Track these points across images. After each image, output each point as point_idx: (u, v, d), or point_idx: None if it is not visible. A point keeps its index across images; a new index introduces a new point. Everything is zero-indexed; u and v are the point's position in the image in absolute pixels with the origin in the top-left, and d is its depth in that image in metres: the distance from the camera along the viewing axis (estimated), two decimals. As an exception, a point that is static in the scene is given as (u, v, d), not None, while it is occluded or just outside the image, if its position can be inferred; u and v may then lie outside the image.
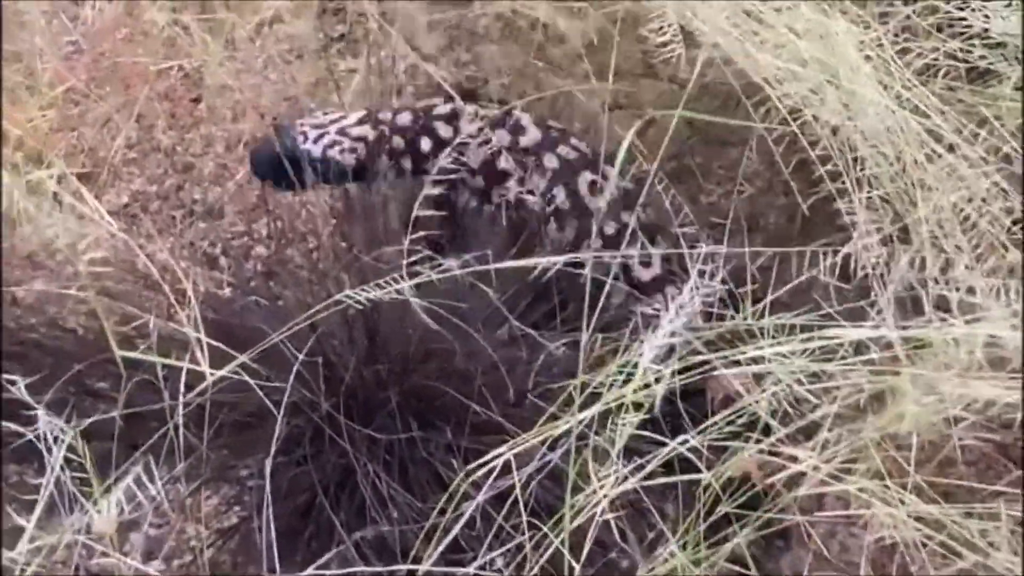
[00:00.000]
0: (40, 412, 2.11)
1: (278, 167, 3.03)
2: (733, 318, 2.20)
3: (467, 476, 2.20)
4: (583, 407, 2.07)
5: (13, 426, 2.18)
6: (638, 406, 1.98)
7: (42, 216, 2.57)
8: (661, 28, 2.49)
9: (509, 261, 2.30)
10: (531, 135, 3.04)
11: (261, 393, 2.26)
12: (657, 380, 1.96)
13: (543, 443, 2.16)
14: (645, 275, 2.97)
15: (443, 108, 3.16)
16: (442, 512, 2.21)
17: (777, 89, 2.45)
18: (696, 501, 2.16)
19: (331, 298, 2.23)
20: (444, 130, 3.12)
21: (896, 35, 2.66)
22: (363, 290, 2.20)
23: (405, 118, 3.17)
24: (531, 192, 3.00)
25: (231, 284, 2.90)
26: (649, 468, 2.11)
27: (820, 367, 2.01)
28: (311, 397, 2.54)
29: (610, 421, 2.12)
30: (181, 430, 2.30)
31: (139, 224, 3.27)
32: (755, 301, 2.20)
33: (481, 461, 2.14)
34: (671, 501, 2.45)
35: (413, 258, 2.35)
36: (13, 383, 2.06)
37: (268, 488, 2.21)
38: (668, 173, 2.81)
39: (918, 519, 2.14)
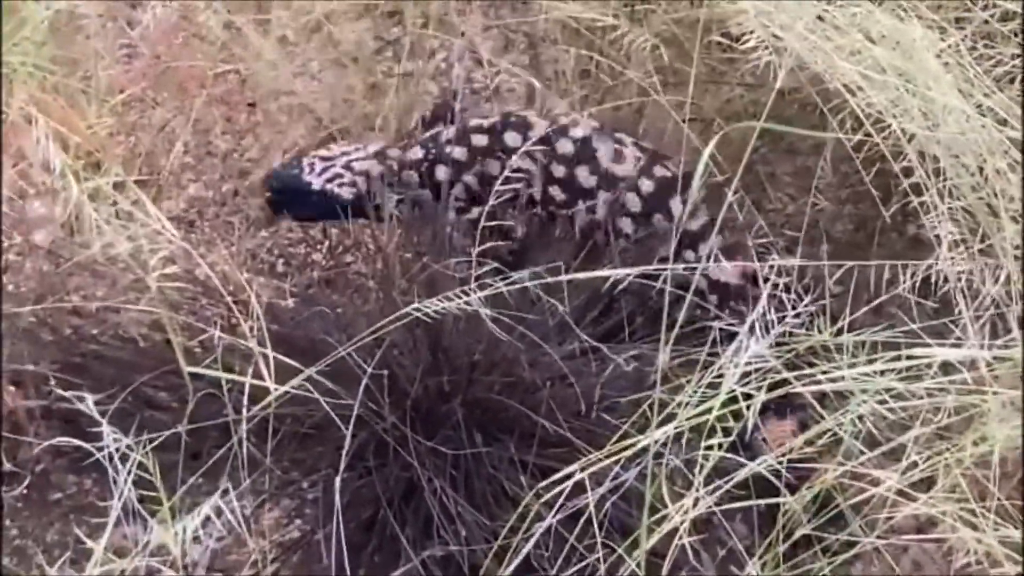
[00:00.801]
0: (105, 428, 2.07)
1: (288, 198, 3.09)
2: (810, 334, 2.14)
3: (537, 494, 2.17)
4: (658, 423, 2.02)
5: (76, 441, 2.15)
6: (726, 430, 1.92)
7: (102, 224, 2.55)
8: (744, 36, 2.42)
9: (579, 273, 2.25)
10: (602, 150, 2.99)
11: (328, 408, 2.21)
12: (747, 403, 1.90)
13: (616, 461, 2.11)
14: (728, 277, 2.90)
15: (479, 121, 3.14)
16: (512, 530, 2.16)
17: (856, 97, 2.39)
18: (775, 522, 2.10)
19: (400, 310, 2.18)
20: (459, 153, 3.09)
21: (974, 41, 2.59)
22: (432, 302, 2.15)
23: (417, 152, 3.15)
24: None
25: (293, 293, 2.86)
26: (726, 487, 2.05)
27: (906, 387, 1.94)
28: (375, 409, 2.49)
29: (684, 439, 2.07)
30: (245, 444, 2.26)
31: (197, 231, 3.23)
32: (831, 317, 2.14)
33: (553, 479, 2.09)
34: (746, 520, 2.40)
35: (482, 269, 2.30)
36: (81, 399, 2.01)
37: (338, 505, 2.17)
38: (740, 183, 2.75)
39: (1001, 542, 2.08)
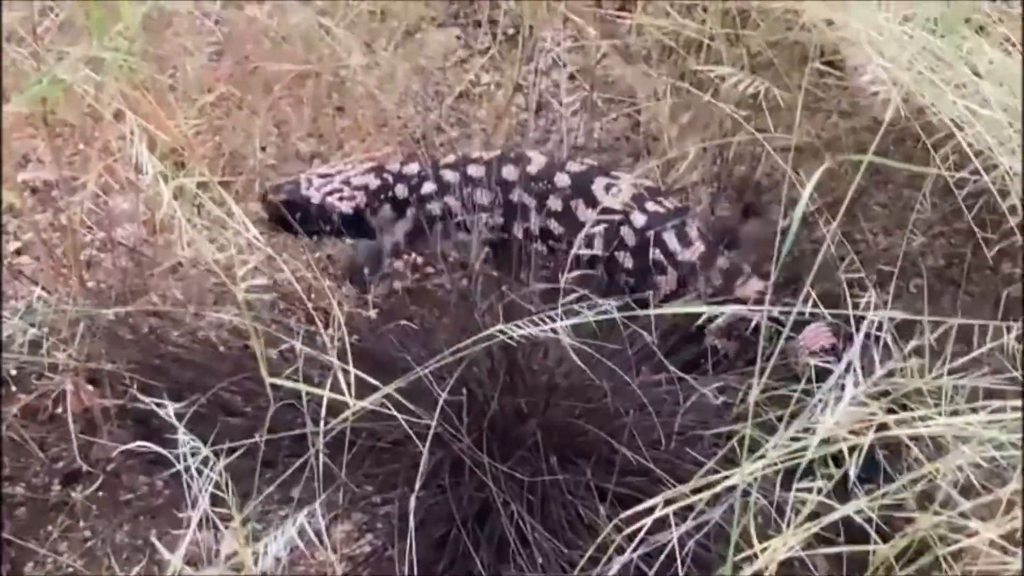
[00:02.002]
0: (181, 435, 2.04)
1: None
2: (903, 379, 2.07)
3: (617, 526, 2.11)
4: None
5: (153, 447, 2.12)
6: (827, 475, 1.86)
7: (187, 226, 2.54)
8: (841, 61, 2.36)
9: (668, 307, 2.20)
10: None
11: (406, 427, 2.17)
12: (850, 448, 1.83)
13: (696, 491, 2.05)
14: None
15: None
16: (590, 560, 2.11)
17: (962, 132, 2.32)
18: (864, 568, 2.04)
19: (480, 329, 2.13)
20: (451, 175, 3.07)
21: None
22: (519, 325, 2.11)
23: (412, 168, 3.14)
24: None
25: (374, 304, 2.82)
26: (815, 529, 1.99)
27: (1008, 438, 1.87)
28: (451, 427, 2.45)
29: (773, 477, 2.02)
30: (321, 457, 2.23)
31: (276, 233, 3.19)
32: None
33: (634, 511, 2.04)
34: (834, 565, 2.34)
35: (571, 296, 2.25)
36: (161, 405, 1.98)
37: (412, 525, 2.13)
38: (829, 211, 2.69)
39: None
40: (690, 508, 2.03)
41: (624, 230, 2.94)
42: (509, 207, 3.00)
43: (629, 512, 2.10)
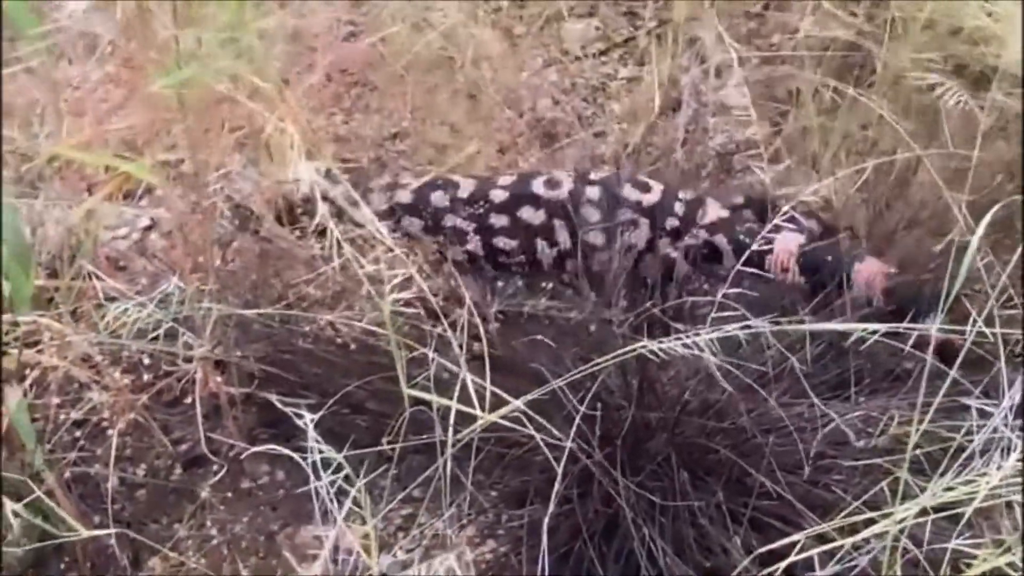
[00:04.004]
0: (310, 435, 2.00)
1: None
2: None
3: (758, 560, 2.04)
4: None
5: (283, 450, 2.09)
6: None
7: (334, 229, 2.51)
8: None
9: (817, 324, 2.11)
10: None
11: (541, 443, 2.11)
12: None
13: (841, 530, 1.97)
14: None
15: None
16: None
17: None
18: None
19: (628, 348, 2.06)
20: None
21: None
22: (663, 341, 2.04)
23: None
24: None
25: (503, 313, 2.78)
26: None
27: None
28: (582, 441, 2.39)
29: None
30: (449, 465, 2.18)
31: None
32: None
33: (776, 546, 1.97)
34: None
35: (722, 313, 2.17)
36: (300, 416, 1.94)
37: (545, 537, 2.07)
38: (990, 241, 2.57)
39: None
40: (830, 541, 1.96)
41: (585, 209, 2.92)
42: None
43: (769, 547, 2.03)
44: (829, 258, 2.83)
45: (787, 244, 2.84)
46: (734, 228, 2.91)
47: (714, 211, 2.93)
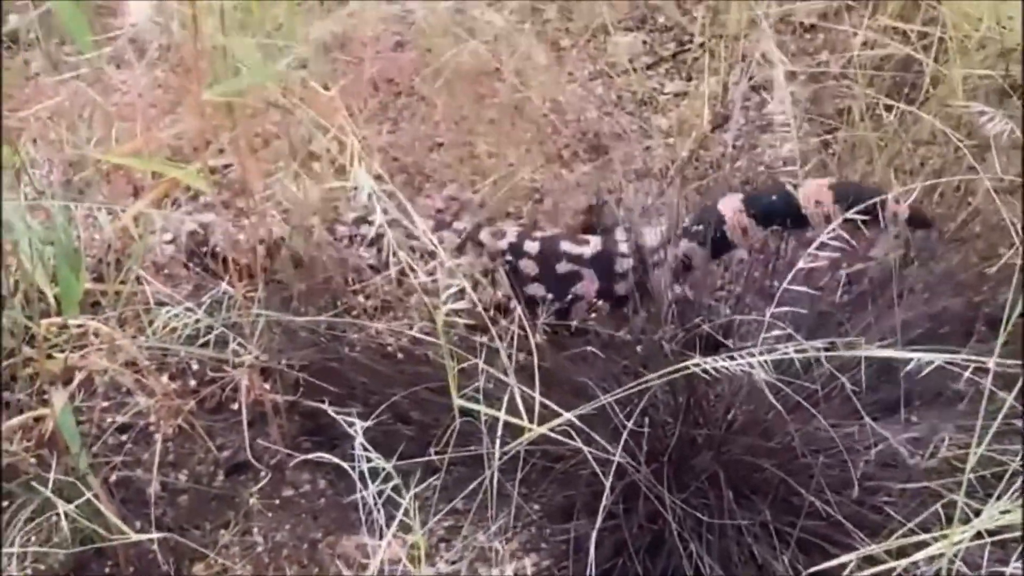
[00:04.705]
0: (358, 444, 2.00)
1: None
2: None
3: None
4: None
5: (331, 458, 2.09)
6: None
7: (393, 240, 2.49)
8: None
9: (876, 349, 2.09)
10: None
11: (590, 457, 2.10)
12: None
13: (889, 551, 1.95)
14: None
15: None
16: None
17: None
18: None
19: (679, 365, 2.05)
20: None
21: None
22: (715, 359, 2.03)
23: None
24: None
25: (548, 327, 2.76)
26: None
27: None
28: (628, 456, 2.37)
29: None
30: (496, 477, 2.17)
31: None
32: None
33: (825, 567, 1.95)
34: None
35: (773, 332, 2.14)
36: (350, 423, 1.94)
37: (592, 556, 2.05)
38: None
39: None
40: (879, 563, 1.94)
41: (523, 262, 2.96)
42: None
43: (818, 568, 2.02)
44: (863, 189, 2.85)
45: (815, 183, 2.88)
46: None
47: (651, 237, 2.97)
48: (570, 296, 2.95)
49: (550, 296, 2.92)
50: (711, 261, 2.96)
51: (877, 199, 2.64)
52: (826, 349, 2.08)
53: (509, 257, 2.96)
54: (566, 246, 2.98)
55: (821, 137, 3.36)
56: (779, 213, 2.89)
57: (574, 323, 2.94)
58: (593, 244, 2.98)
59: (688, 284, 2.90)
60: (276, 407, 2.69)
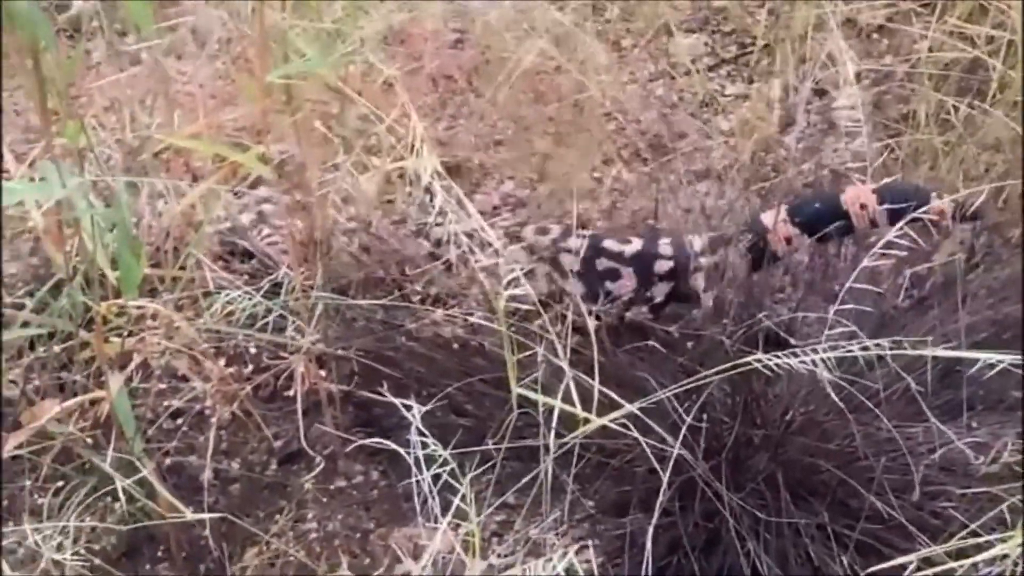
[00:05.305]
0: (415, 432, 1.97)
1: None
2: None
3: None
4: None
5: (390, 444, 2.07)
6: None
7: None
8: None
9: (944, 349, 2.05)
10: None
11: (648, 451, 2.07)
12: None
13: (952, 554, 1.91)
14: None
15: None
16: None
17: None
18: None
19: (741, 361, 2.02)
20: None
21: None
22: (778, 355, 1.99)
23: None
24: None
25: (599, 318, 2.74)
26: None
27: None
28: (685, 453, 2.35)
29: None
30: (550, 469, 2.15)
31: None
32: None
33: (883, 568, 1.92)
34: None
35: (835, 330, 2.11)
36: (408, 407, 1.92)
37: (649, 552, 2.02)
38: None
39: None
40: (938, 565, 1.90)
41: (564, 258, 2.94)
42: None
43: (877, 568, 1.98)
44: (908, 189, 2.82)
45: (860, 187, 2.84)
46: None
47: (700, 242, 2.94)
48: (609, 293, 2.93)
49: (588, 292, 2.90)
50: (752, 273, 2.92)
51: (923, 199, 2.61)
52: (891, 348, 2.04)
53: (552, 253, 2.95)
54: (608, 243, 2.96)
55: (884, 141, 3.31)
56: (824, 219, 2.86)
57: (628, 315, 2.92)
58: (635, 243, 2.96)
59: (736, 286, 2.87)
60: (331, 396, 2.68)
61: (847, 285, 2.23)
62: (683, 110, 3.63)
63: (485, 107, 3.47)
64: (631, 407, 2.02)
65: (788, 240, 2.88)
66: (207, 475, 2.62)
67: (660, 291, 2.93)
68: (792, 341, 2.43)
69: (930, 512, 2.43)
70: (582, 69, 3.43)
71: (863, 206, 2.81)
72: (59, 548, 2.08)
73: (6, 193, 2.14)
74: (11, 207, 2.48)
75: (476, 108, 3.51)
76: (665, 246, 2.94)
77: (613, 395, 2.06)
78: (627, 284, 2.93)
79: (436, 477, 1.98)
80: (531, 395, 2.06)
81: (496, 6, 3.45)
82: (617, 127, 3.49)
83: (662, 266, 2.93)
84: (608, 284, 2.93)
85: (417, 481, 1.97)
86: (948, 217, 2.74)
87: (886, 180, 2.88)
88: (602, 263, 2.94)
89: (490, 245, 2.23)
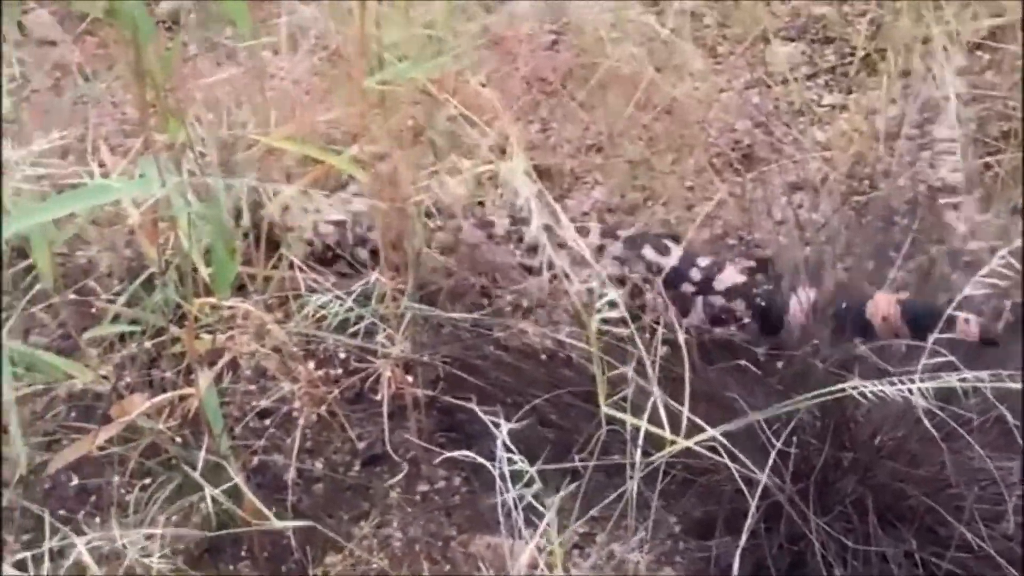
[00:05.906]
0: (500, 445, 1.97)
1: None
2: None
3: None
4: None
5: (471, 454, 2.06)
6: None
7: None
8: None
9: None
10: None
11: (736, 474, 2.05)
12: None
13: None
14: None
15: None
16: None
17: None
18: None
19: (836, 387, 1.99)
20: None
21: None
22: (876, 383, 1.96)
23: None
24: None
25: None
26: None
27: None
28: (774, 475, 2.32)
29: None
30: (635, 488, 2.13)
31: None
32: None
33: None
34: None
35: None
36: (496, 424, 1.91)
37: (736, 573, 2.00)
38: None
39: None
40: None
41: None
42: None
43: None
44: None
45: (884, 297, 2.78)
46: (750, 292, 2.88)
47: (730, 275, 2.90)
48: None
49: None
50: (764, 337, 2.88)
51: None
52: (991, 380, 2.00)
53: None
54: (646, 251, 2.92)
55: (983, 159, 3.24)
56: (845, 323, 2.75)
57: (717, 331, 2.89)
58: (673, 255, 2.93)
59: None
60: (416, 401, 2.68)
61: (947, 313, 2.19)
62: (778, 120, 3.58)
63: (578, 111, 3.45)
64: (712, 431, 2.00)
65: (885, 317, 2.80)
66: (291, 475, 2.63)
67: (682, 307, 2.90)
68: (890, 369, 2.38)
69: (1020, 544, 2.38)
70: (678, 75, 3.39)
71: (885, 318, 2.75)
72: (144, 551, 2.09)
73: (103, 190, 2.16)
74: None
75: (569, 112, 3.48)
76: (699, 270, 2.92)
77: (701, 413, 2.05)
78: (656, 297, 2.88)
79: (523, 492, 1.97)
80: (619, 415, 2.04)
81: (593, 6, 3.42)
82: (710, 135, 3.45)
83: (687, 288, 2.92)
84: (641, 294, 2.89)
85: (505, 496, 1.96)
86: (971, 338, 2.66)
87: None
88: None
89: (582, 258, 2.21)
